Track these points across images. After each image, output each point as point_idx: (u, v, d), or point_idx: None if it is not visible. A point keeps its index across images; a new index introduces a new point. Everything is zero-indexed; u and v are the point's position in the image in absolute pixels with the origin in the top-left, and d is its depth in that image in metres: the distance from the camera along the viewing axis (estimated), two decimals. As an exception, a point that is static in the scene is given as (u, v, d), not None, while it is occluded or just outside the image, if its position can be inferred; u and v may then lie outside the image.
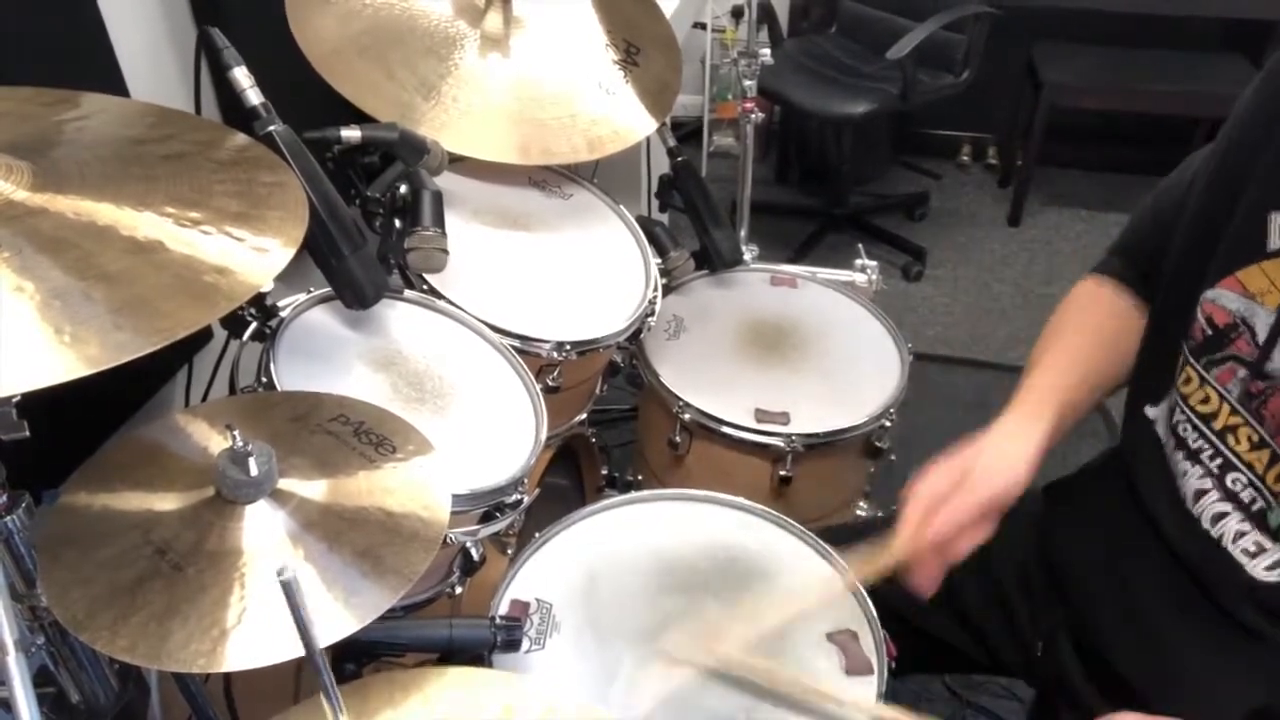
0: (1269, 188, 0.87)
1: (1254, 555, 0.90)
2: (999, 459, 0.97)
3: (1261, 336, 0.88)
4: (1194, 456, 0.94)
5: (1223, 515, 0.92)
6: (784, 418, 1.40)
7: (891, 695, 0.97)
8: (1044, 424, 0.99)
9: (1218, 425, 0.92)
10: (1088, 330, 1.08)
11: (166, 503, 0.77)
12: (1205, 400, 0.93)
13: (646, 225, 1.48)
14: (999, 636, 1.16)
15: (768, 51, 1.95)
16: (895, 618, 1.06)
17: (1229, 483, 0.91)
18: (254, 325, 1.03)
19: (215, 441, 0.84)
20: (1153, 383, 1.01)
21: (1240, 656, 0.94)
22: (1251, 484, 0.90)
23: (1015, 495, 0.97)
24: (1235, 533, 0.91)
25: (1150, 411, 1.01)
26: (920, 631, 1.19)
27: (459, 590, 1.12)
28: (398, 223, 1.12)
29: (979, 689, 1.82)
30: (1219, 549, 0.92)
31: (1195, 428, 0.94)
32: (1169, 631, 0.98)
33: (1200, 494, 0.94)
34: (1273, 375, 0.87)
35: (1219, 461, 0.92)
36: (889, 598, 1.05)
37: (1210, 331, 0.92)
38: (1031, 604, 1.14)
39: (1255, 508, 0.89)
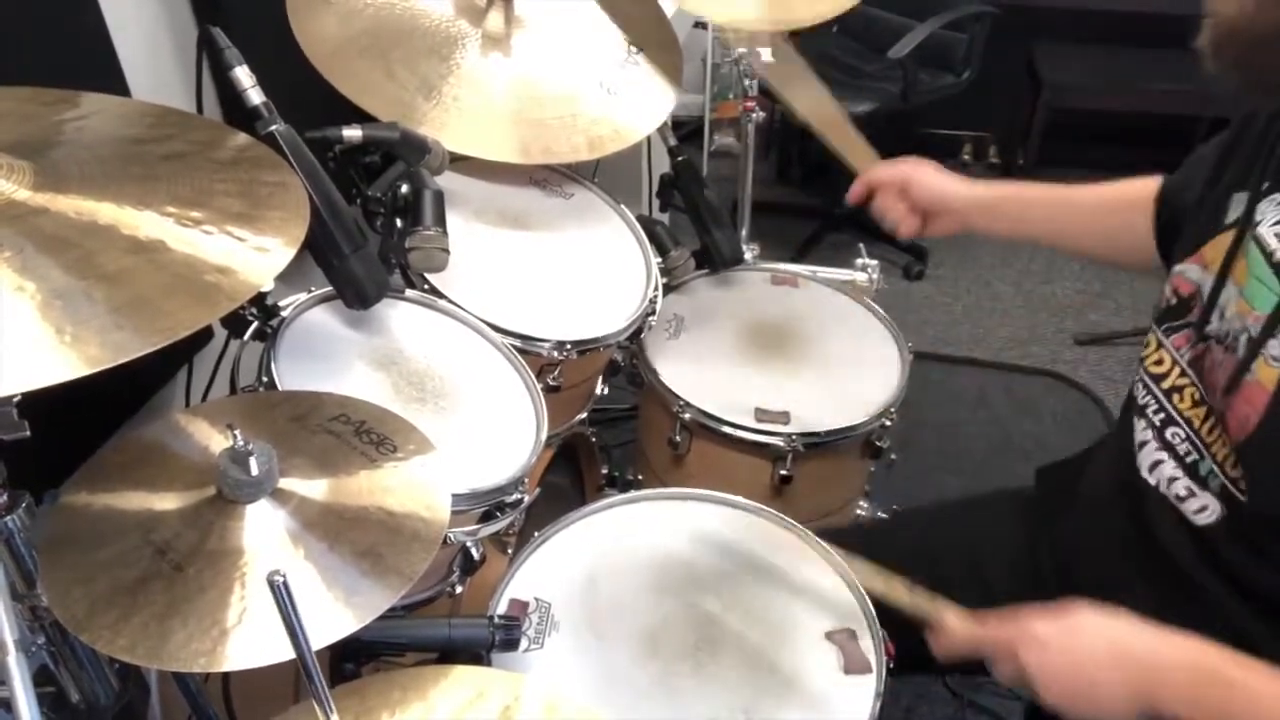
0: (1238, 171, 0.96)
1: (1184, 499, 0.94)
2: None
3: (1206, 301, 0.95)
4: (1141, 412, 1.00)
5: (1158, 463, 0.97)
6: (784, 417, 1.40)
7: (891, 695, 0.98)
8: (979, 189, 1.24)
9: (1166, 385, 0.98)
10: (1097, 192, 1.20)
11: (167, 502, 0.77)
12: (1159, 362, 0.99)
13: (647, 224, 1.48)
14: None
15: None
16: (896, 618, 1.06)
17: (1168, 436, 0.97)
18: (255, 325, 1.03)
19: (216, 441, 0.84)
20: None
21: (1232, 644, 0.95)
22: (1188, 439, 0.95)
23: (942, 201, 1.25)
24: (1168, 478, 0.96)
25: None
26: (920, 633, 1.20)
27: (459, 589, 1.12)
28: (399, 222, 1.12)
29: (979, 689, 1.82)
30: (1156, 493, 0.97)
31: (1146, 386, 1.00)
32: (1143, 609, 0.99)
33: (1142, 444, 0.99)
34: (1210, 336, 0.93)
35: (1161, 416, 0.98)
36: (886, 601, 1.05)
37: (1174, 301, 0.99)
38: (1023, 599, 1.14)
39: (1189, 459, 0.94)
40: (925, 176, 1.28)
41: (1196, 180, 1.05)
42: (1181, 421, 0.96)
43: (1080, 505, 1.10)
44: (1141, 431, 1.00)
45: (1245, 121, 0.99)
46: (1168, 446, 0.97)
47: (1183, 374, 0.97)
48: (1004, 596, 1.15)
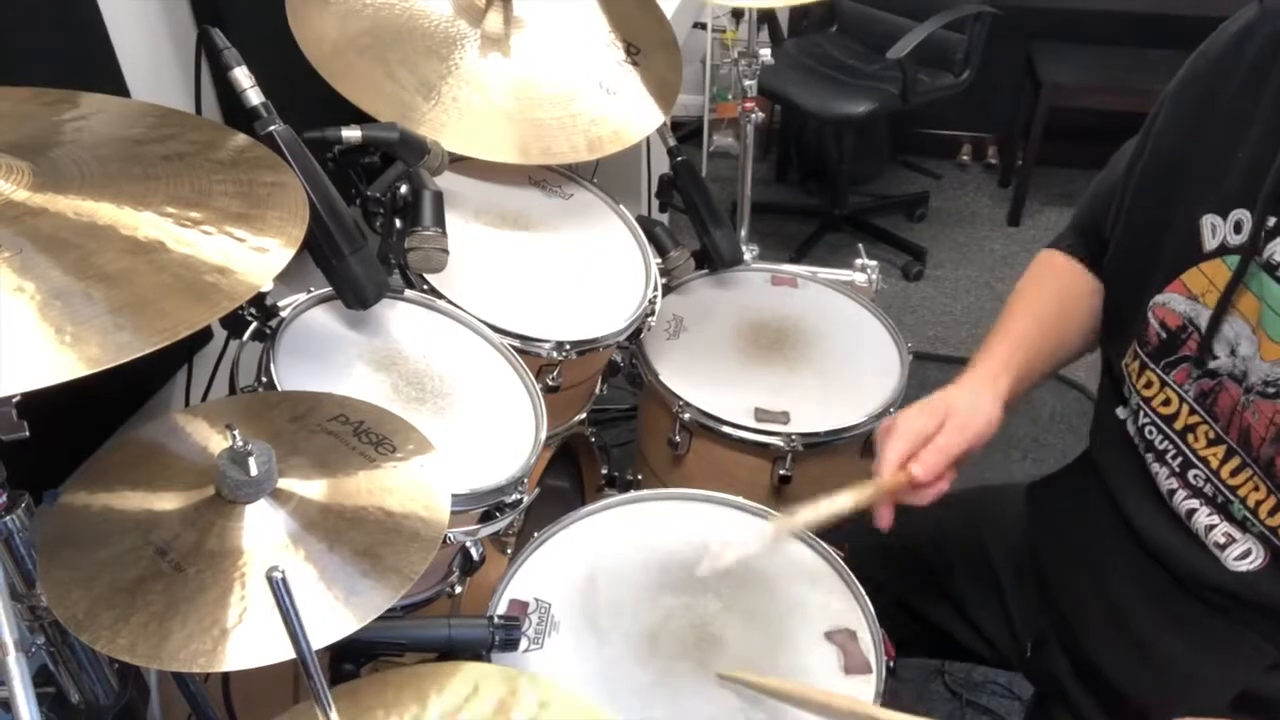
0: (1198, 193, 0.91)
1: (1224, 547, 0.92)
2: (974, 405, 1.00)
3: (1204, 334, 0.91)
4: (1160, 457, 0.97)
5: (1193, 511, 0.94)
6: (784, 417, 1.40)
7: (891, 694, 0.98)
8: (1005, 381, 1.03)
9: (1178, 425, 0.95)
10: (1047, 300, 1.12)
11: (166, 503, 0.77)
12: (1166, 402, 0.96)
13: (646, 225, 1.48)
14: (996, 629, 1.17)
15: (768, 51, 1.95)
16: (898, 603, 1.06)
17: (1190, 479, 0.94)
18: (254, 325, 1.03)
19: (215, 441, 0.84)
20: (1116, 385, 1.03)
21: (1219, 645, 0.95)
22: (1209, 479, 0.92)
23: (981, 445, 1.00)
24: (1206, 526, 0.93)
25: (1121, 413, 1.02)
26: (925, 619, 1.20)
27: (458, 590, 1.12)
28: (398, 222, 1.12)
29: (979, 689, 1.82)
30: (1197, 543, 0.94)
31: (1159, 429, 0.97)
32: (1150, 627, 0.99)
33: (1171, 493, 0.96)
34: (1218, 372, 0.90)
35: (1180, 460, 0.95)
36: (892, 582, 1.05)
37: (1164, 335, 0.95)
38: (1023, 599, 1.15)
39: (1218, 500, 0.92)
40: (960, 429, 0.99)
41: (1113, 207, 1.02)
42: (1198, 462, 0.93)
43: (1091, 542, 1.08)
44: (1166, 480, 0.96)
45: (1192, 140, 0.94)
46: (1196, 492, 0.93)
47: (1192, 412, 0.93)
48: (1012, 596, 1.16)
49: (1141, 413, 0.98)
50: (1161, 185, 0.96)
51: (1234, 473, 0.90)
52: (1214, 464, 0.91)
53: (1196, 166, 0.92)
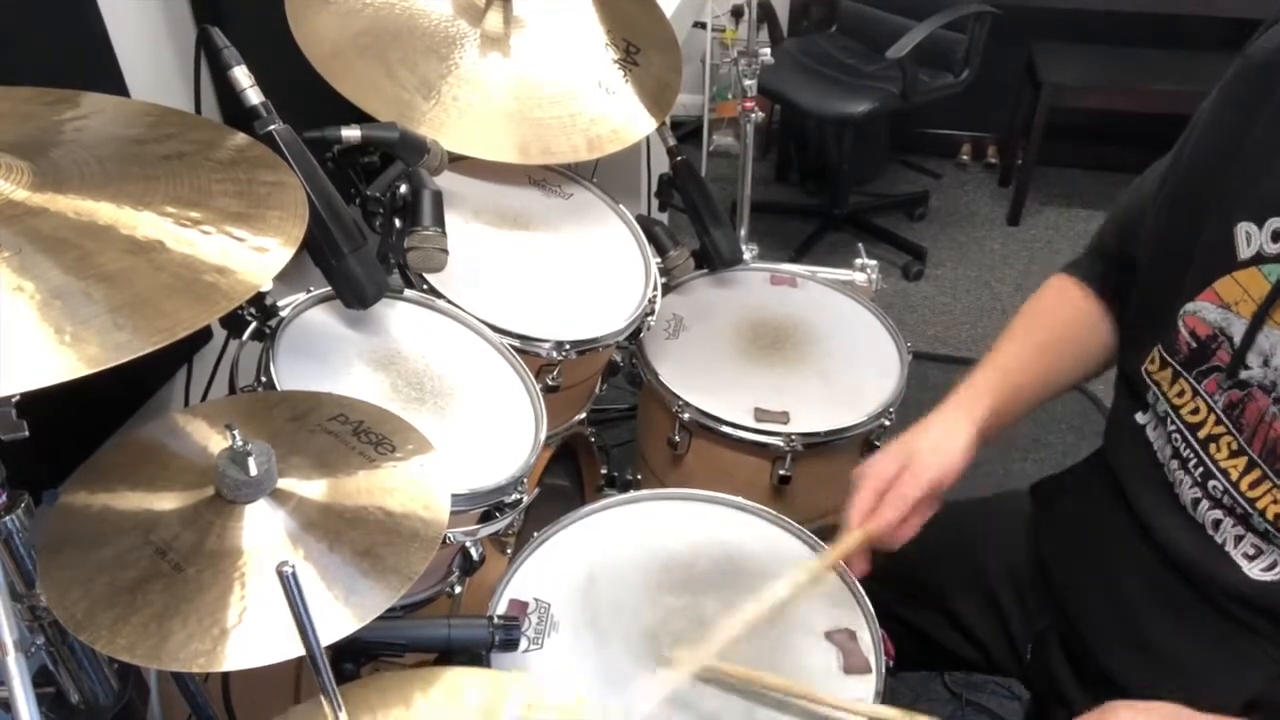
0: (1233, 201, 0.90)
1: (1253, 558, 0.91)
2: (937, 446, 1.01)
3: (1238, 345, 0.90)
4: (1184, 465, 0.96)
5: (1219, 521, 0.93)
6: (783, 417, 1.40)
7: (890, 694, 0.97)
8: (978, 415, 1.03)
9: (1202, 435, 0.94)
10: (1048, 326, 1.12)
11: (166, 502, 0.77)
12: (1195, 411, 0.95)
13: (646, 224, 1.48)
14: (991, 638, 1.17)
15: (768, 51, 1.95)
16: (892, 616, 1.06)
17: (1210, 489, 0.93)
18: (254, 325, 1.03)
19: (215, 441, 0.84)
20: (1137, 391, 1.02)
21: (1231, 650, 0.95)
22: (1228, 491, 0.91)
23: (951, 481, 1.01)
24: (1235, 537, 0.92)
25: (1140, 418, 1.02)
26: (918, 631, 1.20)
27: (458, 590, 1.12)
28: (398, 222, 1.12)
29: (979, 689, 1.82)
30: (1222, 553, 0.93)
31: (1184, 438, 0.96)
32: (1160, 630, 0.99)
33: (1196, 502, 0.95)
34: (1248, 383, 0.89)
35: (1200, 470, 0.94)
36: (884, 596, 1.05)
37: (1194, 344, 0.94)
38: (1022, 606, 1.14)
39: (1238, 512, 0.91)
40: (916, 475, 1.00)
41: (1148, 217, 1.01)
42: (1218, 474, 0.92)
43: (1100, 544, 1.07)
44: (1190, 490, 0.95)
45: (1229, 148, 0.93)
46: (1218, 502, 0.93)
47: (1218, 422, 0.92)
48: (1009, 605, 1.16)
49: (1169, 420, 0.97)
50: (1196, 192, 0.94)
51: (1253, 485, 0.89)
52: (1234, 476, 0.90)
53: (1233, 173, 0.91)
